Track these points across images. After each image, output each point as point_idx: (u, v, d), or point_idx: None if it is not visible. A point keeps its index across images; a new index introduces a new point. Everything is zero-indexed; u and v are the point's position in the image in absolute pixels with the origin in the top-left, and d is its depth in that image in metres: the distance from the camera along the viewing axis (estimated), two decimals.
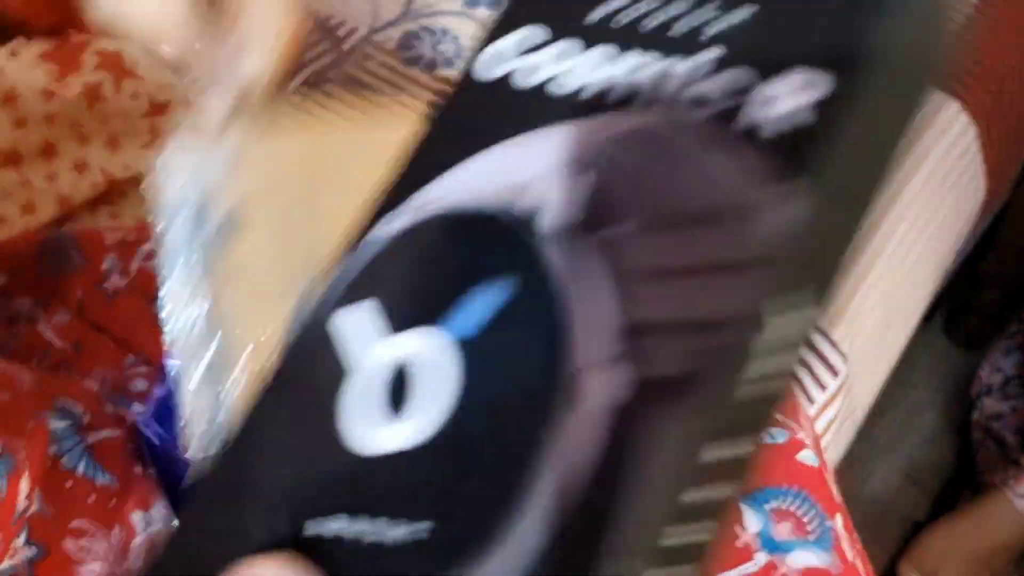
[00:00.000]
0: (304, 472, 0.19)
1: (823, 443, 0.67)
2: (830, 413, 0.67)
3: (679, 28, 0.19)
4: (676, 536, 0.16)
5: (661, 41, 0.19)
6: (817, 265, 0.17)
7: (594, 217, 0.18)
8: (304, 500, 0.18)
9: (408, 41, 0.80)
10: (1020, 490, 1.05)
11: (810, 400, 0.65)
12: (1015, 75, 0.79)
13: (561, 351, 0.17)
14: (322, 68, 0.79)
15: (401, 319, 0.19)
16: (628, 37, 0.20)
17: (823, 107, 0.17)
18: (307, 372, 0.20)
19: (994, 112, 0.77)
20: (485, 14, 0.79)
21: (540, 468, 0.16)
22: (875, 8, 0.17)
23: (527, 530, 0.16)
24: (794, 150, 0.17)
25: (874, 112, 0.18)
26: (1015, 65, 0.79)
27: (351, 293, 0.20)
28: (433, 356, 0.18)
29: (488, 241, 0.19)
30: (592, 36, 0.20)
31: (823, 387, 0.65)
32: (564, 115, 0.20)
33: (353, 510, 0.17)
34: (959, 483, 1.19)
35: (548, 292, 0.17)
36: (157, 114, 0.61)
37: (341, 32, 0.82)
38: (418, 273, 0.19)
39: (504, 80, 0.21)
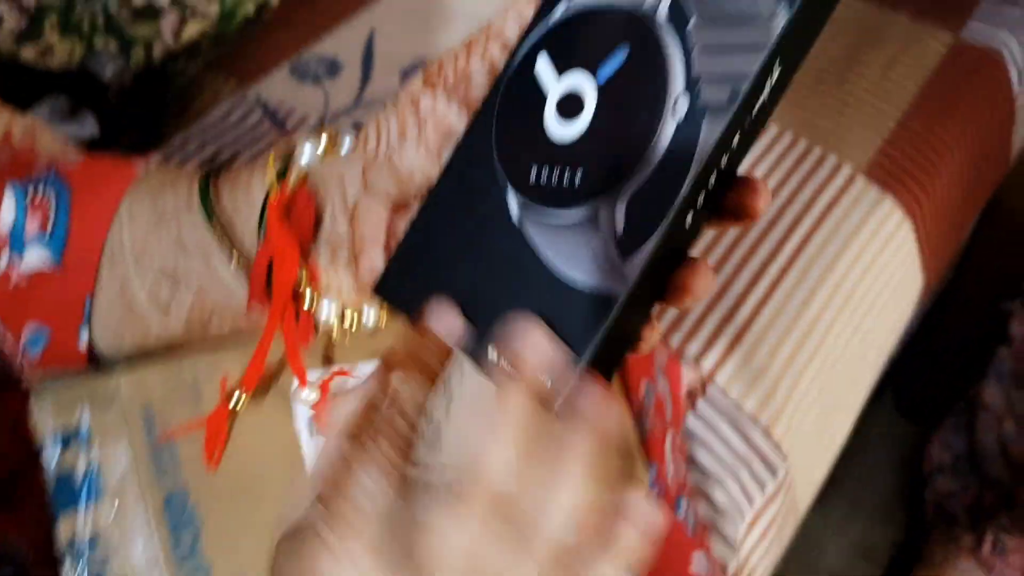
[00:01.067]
0: (518, 148, 0.34)
1: (765, 542, 0.67)
2: (771, 511, 0.67)
3: None
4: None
5: None
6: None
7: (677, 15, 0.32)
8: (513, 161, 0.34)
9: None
10: (961, 567, 1.06)
11: (748, 499, 0.65)
12: (947, 169, 0.81)
13: (663, 86, 0.31)
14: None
15: (567, 65, 0.34)
16: None
17: None
18: (522, 93, 0.35)
19: (928, 206, 0.79)
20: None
21: (647, 147, 0.31)
22: None
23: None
24: None
25: None
26: (947, 159, 0.81)
27: (545, 45, 0.34)
28: (586, 88, 0.33)
29: (619, 24, 0.33)
30: None
31: (762, 485, 0.65)
32: None
33: (543, 160, 0.33)
34: (911, 558, 1.19)
35: (657, 55, 0.32)
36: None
37: (290, 122, 0.83)
38: (578, 39, 0.34)
39: None
